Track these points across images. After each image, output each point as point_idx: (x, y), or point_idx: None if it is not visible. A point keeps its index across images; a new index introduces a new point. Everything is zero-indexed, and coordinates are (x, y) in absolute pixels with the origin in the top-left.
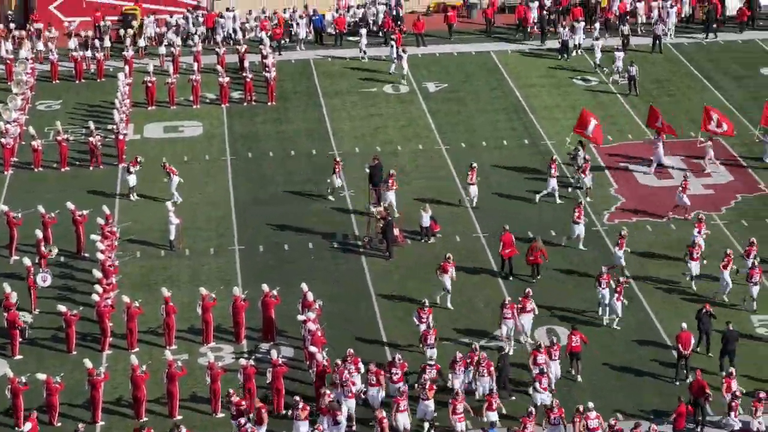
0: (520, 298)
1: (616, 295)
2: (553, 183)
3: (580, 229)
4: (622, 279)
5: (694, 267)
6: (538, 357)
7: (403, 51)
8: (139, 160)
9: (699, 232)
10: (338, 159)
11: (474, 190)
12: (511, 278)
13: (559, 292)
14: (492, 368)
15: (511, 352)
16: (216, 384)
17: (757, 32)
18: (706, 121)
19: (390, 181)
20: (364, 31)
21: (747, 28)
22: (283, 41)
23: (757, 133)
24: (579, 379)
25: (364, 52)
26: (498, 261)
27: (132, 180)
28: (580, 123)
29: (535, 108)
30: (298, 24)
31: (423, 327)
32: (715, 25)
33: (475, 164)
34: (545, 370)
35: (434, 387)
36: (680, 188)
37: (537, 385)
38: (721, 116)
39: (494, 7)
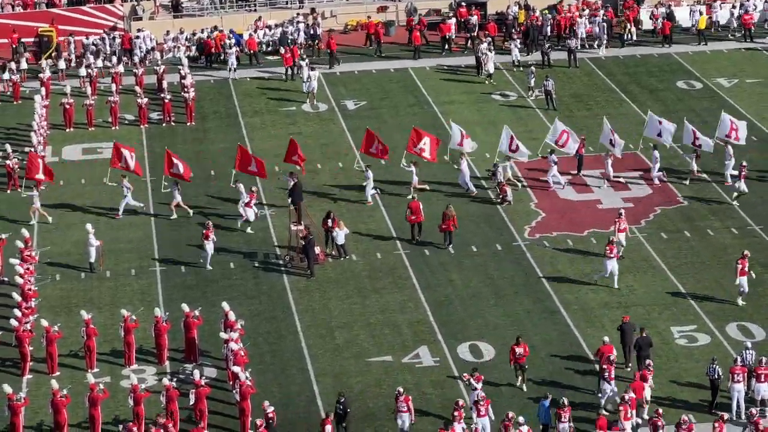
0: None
1: None
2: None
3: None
4: None
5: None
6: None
7: (311, 68)
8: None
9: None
10: (254, 190)
11: None
12: (416, 240)
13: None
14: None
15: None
16: (139, 407)
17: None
18: (413, 143)
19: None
20: (283, 51)
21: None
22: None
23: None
24: (524, 388)
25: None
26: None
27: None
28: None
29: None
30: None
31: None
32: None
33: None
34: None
35: None
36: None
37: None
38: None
39: (423, 23)
